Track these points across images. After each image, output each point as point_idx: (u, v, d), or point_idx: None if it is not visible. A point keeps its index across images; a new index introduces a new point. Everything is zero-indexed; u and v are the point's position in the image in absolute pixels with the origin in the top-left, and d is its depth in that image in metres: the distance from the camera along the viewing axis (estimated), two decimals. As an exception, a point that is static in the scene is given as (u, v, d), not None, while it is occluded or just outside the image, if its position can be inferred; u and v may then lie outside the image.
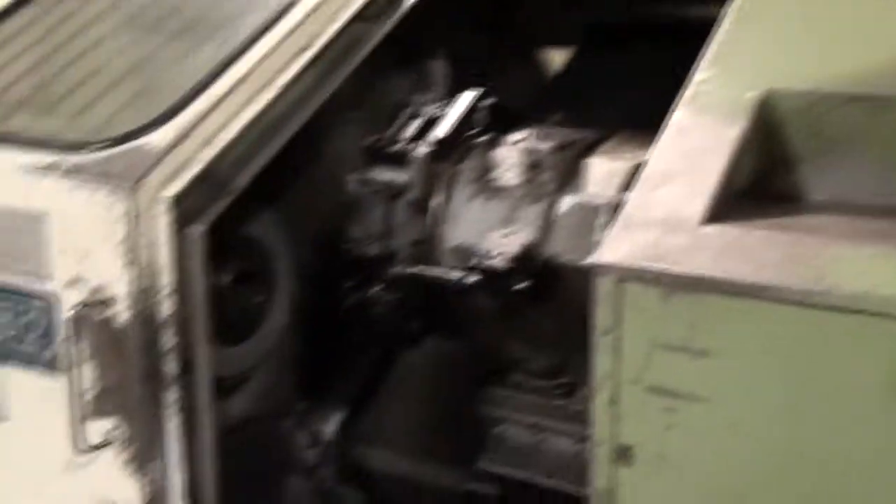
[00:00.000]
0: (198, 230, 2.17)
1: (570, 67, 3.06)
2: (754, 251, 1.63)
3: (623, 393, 1.70)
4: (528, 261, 2.23)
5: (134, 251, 2.15)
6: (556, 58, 3.23)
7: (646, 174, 1.85)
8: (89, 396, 2.22)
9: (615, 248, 1.71)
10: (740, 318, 1.59)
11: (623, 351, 1.69)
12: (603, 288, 1.69)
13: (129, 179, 2.16)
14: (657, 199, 1.79)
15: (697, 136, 1.89)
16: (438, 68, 3.23)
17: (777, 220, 1.75)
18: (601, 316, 1.70)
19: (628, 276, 1.67)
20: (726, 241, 1.67)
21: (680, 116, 1.95)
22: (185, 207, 2.21)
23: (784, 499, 1.60)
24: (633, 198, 1.81)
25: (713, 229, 1.70)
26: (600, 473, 1.73)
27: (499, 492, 2.48)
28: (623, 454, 1.71)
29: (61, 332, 2.22)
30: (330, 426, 2.87)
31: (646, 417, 1.68)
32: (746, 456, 1.61)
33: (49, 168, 2.26)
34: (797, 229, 1.69)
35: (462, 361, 2.62)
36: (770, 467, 1.60)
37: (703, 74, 2.00)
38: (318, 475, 2.88)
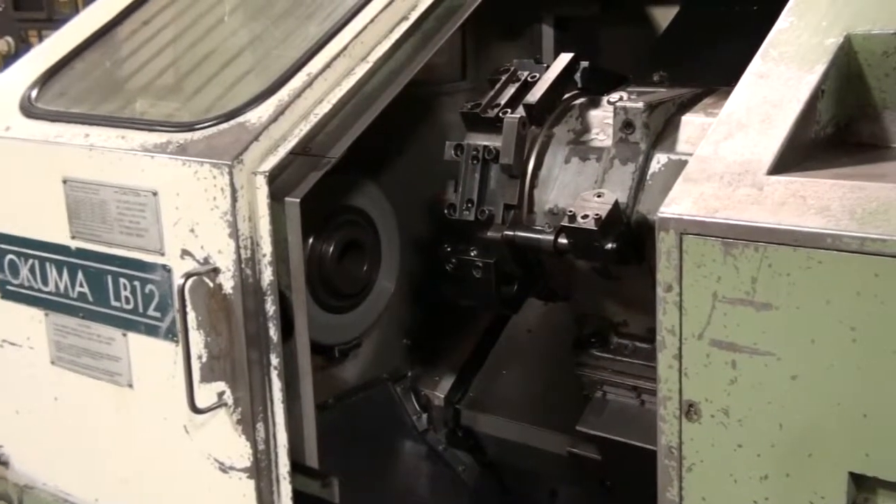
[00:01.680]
0: (293, 201, 2.27)
1: (675, 25, 3.00)
2: (817, 200, 1.58)
3: (687, 348, 1.68)
4: (618, 221, 2.21)
5: (236, 223, 2.26)
6: (661, 16, 3.18)
7: (717, 125, 1.81)
8: (201, 361, 2.36)
9: (678, 202, 1.69)
10: (802, 269, 1.54)
11: (686, 306, 1.67)
12: (664, 242, 1.68)
13: (229, 156, 2.27)
14: (726, 149, 1.76)
15: (774, 85, 1.83)
16: (545, 33, 3.24)
17: (849, 169, 1.68)
18: (663, 271, 1.68)
19: (689, 229, 1.65)
20: (790, 191, 1.62)
21: (758, 65, 1.89)
22: (282, 180, 2.31)
23: (848, 452, 1.55)
24: (701, 149, 1.78)
25: (779, 179, 1.66)
26: (667, 430, 1.72)
27: (600, 454, 2.48)
28: (689, 410, 1.69)
29: (174, 301, 2.36)
30: (440, 391, 2.94)
31: (710, 372, 1.66)
32: (810, 409, 1.57)
33: (160, 148, 2.40)
34: (867, 177, 1.62)
35: (560, 327, 2.62)
36: (834, 421, 1.55)
37: (783, 23, 1.94)
38: (429, 439, 2.96)
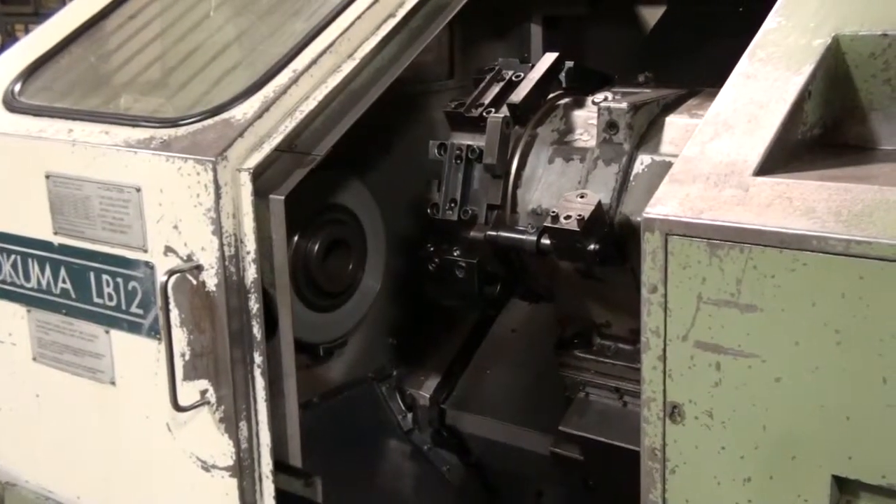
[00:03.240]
0: (277, 199, 2.25)
1: (661, 25, 2.99)
2: (803, 202, 1.57)
3: (671, 350, 1.67)
4: (601, 222, 2.20)
5: (220, 220, 2.24)
6: (650, 16, 3.17)
7: (704, 125, 1.80)
8: (184, 359, 2.34)
9: (663, 202, 1.68)
10: (787, 271, 1.54)
11: (671, 307, 1.66)
12: (649, 243, 1.67)
13: (213, 152, 2.25)
14: (712, 150, 1.75)
15: (761, 86, 1.82)
16: (534, 31, 3.23)
17: (835, 171, 1.68)
18: (648, 272, 1.68)
19: (674, 230, 1.64)
20: (776, 193, 1.61)
21: (745, 66, 1.89)
22: (267, 178, 2.29)
23: (831, 455, 1.54)
24: (687, 149, 1.77)
25: (765, 180, 1.65)
26: (651, 431, 1.71)
27: (582, 455, 2.47)
28: (673, 412, 1.68)
29: (157, 298, 2.34)
30: (425, 391, 2.93)
31: (694, 374, 1.65)
32: (794, 412, 1.56)
33: (143, 143, 2.38)
34: (852, 179, 1.61)
35: (545, 327, 2.61)
36: (817, 423, 1.54)
37: (771, 23, 1.93)
38: (414, 438, 2.95)
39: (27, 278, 2.68)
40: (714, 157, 1.72)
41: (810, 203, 1.56)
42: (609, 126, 2.30)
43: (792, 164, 1.71)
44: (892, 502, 1.54)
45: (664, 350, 1.68)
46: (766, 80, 1.82)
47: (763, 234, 1.56)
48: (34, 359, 2.73)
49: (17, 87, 2.82)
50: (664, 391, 1.69)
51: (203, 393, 2.35)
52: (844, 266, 1.48)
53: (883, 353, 1.46)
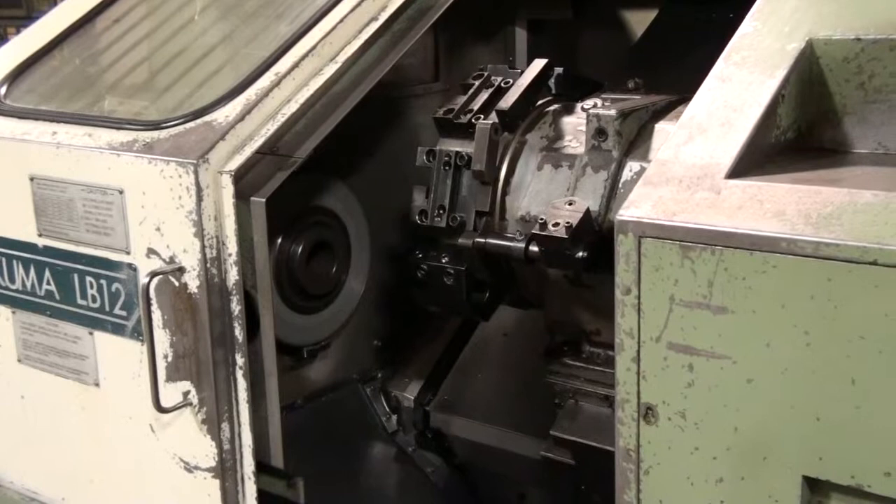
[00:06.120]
0: (258, 201, 2.26)
1: (652, 30, 2.99)
2: (774, 204, 1.58)
3: (645, 351, 1.68)
4: (589, 229, 2.20)
5: (201, 222, 2.25)
6: (635, 21, 3.18)
7: (679, 128, 1.82)
8: (167, 360, 2.35)
9: (637, 205, 1.69)
10: (757, 273, 1.55)
11: (644, 308, 1.67)
12: (623, 245, 1.68)
13: (194, 155, 2.26)
14: (686, 153, 1.76)
15: (735, 90, 1.84)
16: (518, 35, 3.24)
17: (807, 174, 1.69)
18: (622, 274, 1.69)
19: (647, 232, 1.65)
20: (748, 195, 1.62)
21: (720, 69, 1.90)
22: (248, 180, 2.30)
23: (802, 456, 1.55)
24: (662, 152, 1.78)
25: (737, 183, 1.66)
26: (625, 433, 1.72)
27: (574, 459, 2.46)
28: (647, 413, 1.69)
29: (140, 300, 2.35)
30: (410, 393, 2.94)
31: (667, 375, 1.66)
32: (765, 413, 1.57)
33: (126, 146, 2.39)
34: (823, 182, 1.62)
35: (536, 332, 2.60)
36: (788, 424, 1.55)
37: (746, 27, 1.95)
38: (398, 440, 2.96)
39: (12, 280, 2.69)
40: (687, 160, 1.74)
41: (781, 205, 1.57)
42: (598, 133, 2.28)
43: (764, 167, 1.72)
44: (861, 502, 1.55)
45: (638, 351, 1.69)
46: (741, 84, 1.84)
47: (734, 236, 1.57)
48: (19, 360, 2.74)
49: (3, 90, 2.83)
50: (638, 392, 1.70)
51: (185, 394, 2.36)
52: (813, 268, 1.49)
53: (851, 354, 1.48)
